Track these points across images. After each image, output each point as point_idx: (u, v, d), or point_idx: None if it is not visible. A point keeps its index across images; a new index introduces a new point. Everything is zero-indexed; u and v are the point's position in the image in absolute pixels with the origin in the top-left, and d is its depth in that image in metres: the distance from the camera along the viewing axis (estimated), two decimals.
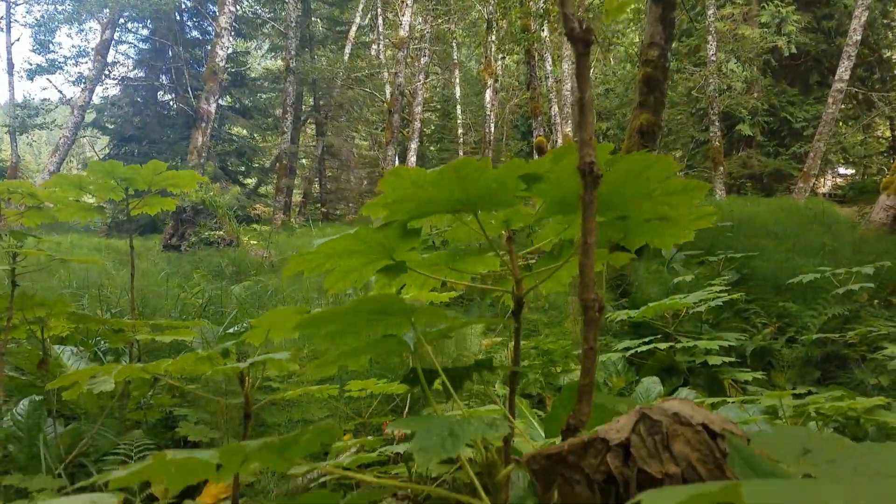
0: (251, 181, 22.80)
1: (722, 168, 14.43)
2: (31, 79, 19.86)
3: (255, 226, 15.46)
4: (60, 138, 16.88)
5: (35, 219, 2.64)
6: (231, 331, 3.31)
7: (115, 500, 1.58)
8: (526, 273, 1.07)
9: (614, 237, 0.94)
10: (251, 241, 11.98)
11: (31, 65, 19.86)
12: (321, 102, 21.44)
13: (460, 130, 22.22)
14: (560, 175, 0.79)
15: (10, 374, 2.79)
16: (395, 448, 1.81)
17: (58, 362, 2.83)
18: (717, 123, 14.63)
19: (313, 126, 23.15)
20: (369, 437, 1.99)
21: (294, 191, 20.62)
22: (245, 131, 22.59)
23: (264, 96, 22.90)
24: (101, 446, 2.35)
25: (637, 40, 15.79)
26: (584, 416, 0.60)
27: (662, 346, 2.80)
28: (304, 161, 23.05)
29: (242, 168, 22.09)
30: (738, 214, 7.43)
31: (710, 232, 5.79)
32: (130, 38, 21.44)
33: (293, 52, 18.55)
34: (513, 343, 0.96)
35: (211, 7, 20.30)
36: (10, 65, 19.92)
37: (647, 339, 2.94)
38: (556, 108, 17.16)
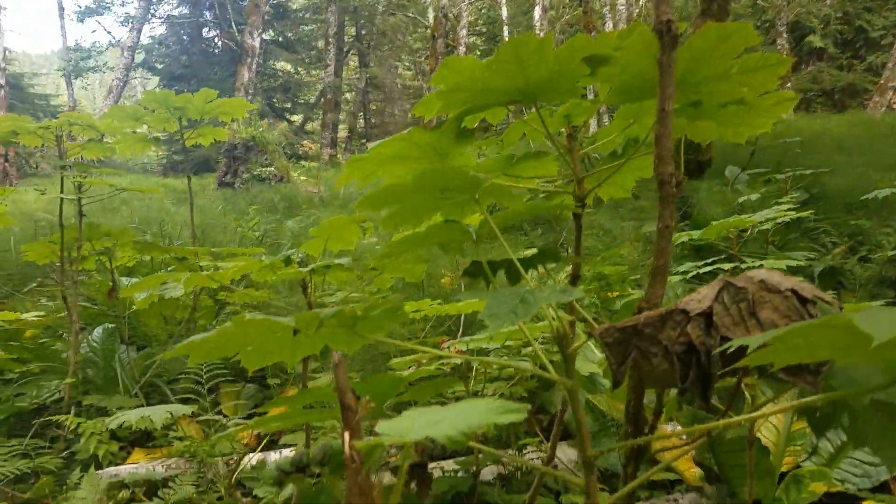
0: (297, 117, 22.82)
1: (790, 84, 13.42)
2: (82, 20, 20.13)
3: (303, 162, 15.63)
4: (113, 80, 17.27)
5: (95, 151, 2.70)
6: None
7: (190, 409, 1.70)
8: (587, 173, 1.02)
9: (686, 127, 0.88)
10: (301, 178, 12.18)
11: (80, 7, 20.11)
12: (363, 31, 20.94)
13: None
14: (629, 55, 0.73)
15: (83, 304, 2.98)
16: (452, 361, 1.85)
17: None
18: (784, 35, 13.50)
19: (356, 57, 22.74)
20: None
21: (339, 126, 20.57)
22: (289, 66, 22.40)
23: (306, 28, 22.51)
24: (171, 369, 2.51)
25: None
26: (658, 297, 0.57)
27: (726, 266, 2.70)
28: (347, 95, 22.82)
29: (288, 104, 22.07)
30: (808, 131, 6.96)
31: (777, 149, 5.46)
32: None
33: None
34: (569, 268, 0.93)
35: None
36: (61, 8, 20.24)
37: (709, 261, 2.83)
38: (612, 25, 16.15)
